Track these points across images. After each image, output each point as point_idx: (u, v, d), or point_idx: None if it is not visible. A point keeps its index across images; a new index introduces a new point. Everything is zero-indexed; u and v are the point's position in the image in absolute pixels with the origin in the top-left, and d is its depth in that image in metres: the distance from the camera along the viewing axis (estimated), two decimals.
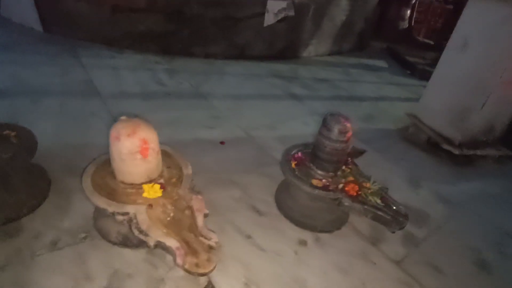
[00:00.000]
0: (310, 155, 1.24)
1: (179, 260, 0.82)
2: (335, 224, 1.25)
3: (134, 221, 0.90)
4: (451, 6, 4.78)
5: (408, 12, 4.91)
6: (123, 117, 0.99)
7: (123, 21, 2.55)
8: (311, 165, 1.21)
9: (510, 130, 1.85)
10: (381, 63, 3.60)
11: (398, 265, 1.14)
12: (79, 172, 1.28)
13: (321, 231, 1.21)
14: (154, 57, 2.59)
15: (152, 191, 0.98)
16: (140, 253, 1.02)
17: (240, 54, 2.86)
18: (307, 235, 1.19)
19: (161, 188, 0.99)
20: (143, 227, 0.88)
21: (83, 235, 1.05)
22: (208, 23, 2.63)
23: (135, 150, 0.93)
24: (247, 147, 1.67)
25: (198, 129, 1.75)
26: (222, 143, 1.66)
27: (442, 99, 1.81)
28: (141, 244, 1.03)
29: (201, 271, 0.82)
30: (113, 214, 0.92)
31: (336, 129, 1.10)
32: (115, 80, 2.12)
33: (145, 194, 0.98)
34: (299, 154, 1.27)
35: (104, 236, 1.04)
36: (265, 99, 2.24)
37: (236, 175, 1.44)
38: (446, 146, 1.76)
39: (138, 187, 1.00)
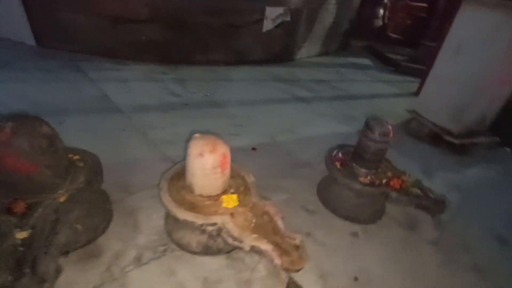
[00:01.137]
0: (352, 155, 1.37)
1: (277, 261, 0.92)
2: (377, 215, 1.40)
3: (224, 230, 0.98)
4: (420, 4, 5.15)
5: (381, 11, 5.26)
6: (197, 135, 1.06)
7: (124, 32, 2.53)
8: (354, 164, 1.35)
9: (497, 120, 2.11)
10: (366, 61, 3.85)
11: (435, 247, 1.31)
12: (132, 189, 1.33)
13: (367, 222, 1.35)
14: (158, 67, 2.60)
15: (231, 201, 1.06)
16: (221, 259, 1.10)
17: (240, 59, 2.95)
18: (356, 227, 1.33)
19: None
20: (235, 234, 0.96)
21: (161, 248, 1.10)
22: (209, 31, 2.68)
23: (216, 164, 1.01)
24: (275, 152, 1.77)
25: (225, 137, 1.81)
26: (253, 149, 1.75)
27: (441, 96, 2.04)
28: (219, 251, 1.11)
29: (297, 267, 0.92)
30: (201, 226, 0.99)
31: (379, 132, 1.24)
32: (130, 94, 2.12)
33: (224, 205, 1.06)
34: (340, 155, 1.41)
35: (184, 247, 1.10)
36: (276, 103, 2.35)
37: (276, 179, 1.54)
38: (447, 137, 1.99)
39: (215, 198, 1.07)
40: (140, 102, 2.04)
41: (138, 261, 1.04)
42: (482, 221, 1.50)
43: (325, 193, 1.46)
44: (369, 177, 1.30)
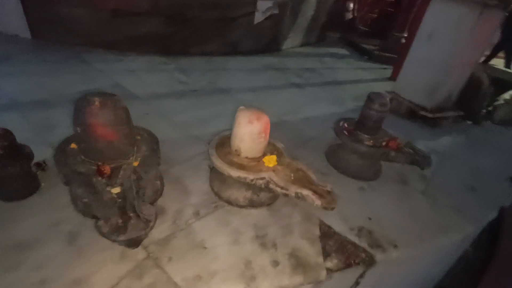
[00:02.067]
0: (355, 125, 1.65)
1: (317, 202, 1.17)
2: (377, 174, 1.69)
3: (272, 182, 1.21)
4: None
5: (351, 4, 5.66)
6: (242, 107, 1.27)
7: (124, 24, 2.61)
8: (358, 132, 1.63)
9: (460, 97, 2.51)
10: (343, 51, 4.20)
11: (424, 195, 1.64)
12: (172, 162, 1.51)
13: (370, 179, 1.64)
14: (158, 58, 2.72)
15: (272, 161, 1.29)
16: (263, 211, 1.32)
17: (233, 50, 3.13)
18: (362, 183, 1.61)
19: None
20: (282, 184, 1.19)
21: (213, 205, 1.30)
22: (205, 23, 2.84)
23: (261, 130, 1.23)
24: (284, 129, 2.01)
25: None
26: None
27: (416, 78, 2.39)
28: (261, 204, 1.33)
29: (332, 205, 1.17)
30: (252, 180, 1.21)
31: (379, 102, 1.53)
32: (141, 82, 2.24)
33: (266, 164, 1.28)
34: (345, 125, 1.68)
35: (233, 203, 1.31)
36: (274, 89, 2.59)
37: (291, 150, 1.77)
38: (422, 112, 2.35)
39: (258, 160, 1.29)
40: (153, 89, 2.18)
41: (197, 215, 1.24)
42: (456, 175, 1.86)
43: (334, 158, 1.73)
44: (371, 141, 1.59)
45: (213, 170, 1.45)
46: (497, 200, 1.71)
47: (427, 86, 2.34)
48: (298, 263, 1.12)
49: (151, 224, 0.92)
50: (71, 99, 1.88)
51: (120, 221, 0.91)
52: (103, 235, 0.89)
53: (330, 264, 1.15)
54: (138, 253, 1.04)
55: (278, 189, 1.19)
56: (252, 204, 1.31)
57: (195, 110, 2.01)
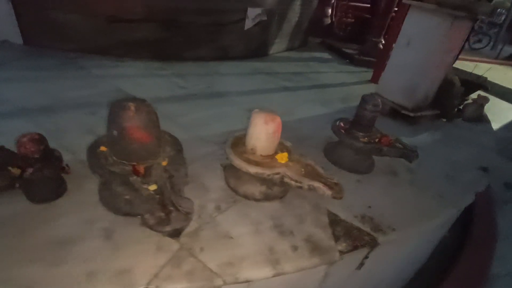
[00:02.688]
0: (351, 124, 1.83)
1: (328, 192, 1.32)
2: (370, 168, 1.87)
3: (286, 176, 1.34)
4: (362, 4, 5.94)
5: (329, 10, 5.94)
6: (256, 110, 1.40)
7: (119, 30, 2.65)
8: (353, 130, 1.80)
9: (435, 97, 2.78)
10: (326, 55, 4.43)
11: (411, 185, 1.84)
12: (187, 161, 1.60)
13: (365, 173, 1.82)
14: (154, 63, 2.78)
15: (284, 157, 1.42)
16: (277, 203, 1.45)
17: (224, 55, 3.25)
18: (358, 176, 1.78)
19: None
20: (296, 177, 1.33)
21: (231, 200, 1.42)
22: (198, 29, 2.94)
23: (276, 130, 1.36)
24: (284, 130, 2.13)
25: (242, 120, 2.15)
26: None
27: (397, 80, 2.63)
28: (275, 197, 1.46)
29: (340, 195, 1.33)
30: (268, 175, 1.34)
31: (372, 103, 1.71)
32: (141, 87, 2.30)
33: (279, 160, 1.41)
34: (342, 124, 1.85)
35: (249, 197, 1.43)
36: (268, 92, 2.73)
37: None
38: (404, 112, 2.59)
39: (271, 157, 1.42)
40: (154, 94, 2.25)
41: (219, 209, 1.35)
42: (436, 166, 2.09)
43: (332, 154, 1.89)
44: (366, 138, 1.77)
45: (227, 168, 1.56)
46: (472, 187, 1.95)
47: (407, 88, 2.58)
48: (314, 247, 1.26)
49: (191, 215, 1.03)
50: (76, 104, 1.93)
51: (162, 214, 1.00)
52: (150, 227, 0.98)
53: (340, 247, 1.30)
54: (172, 245, 1.13)
55: (293, 183, 1.33)
56: (266, 198, 1.44)
57: (197, 113, 2.10)
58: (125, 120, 1.08)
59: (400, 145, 1.78)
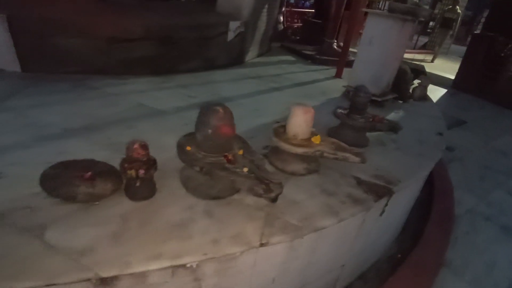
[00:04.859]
0: (349, 109, 2.31)
1: (357, 159, 1.76)
2: (367, 142, 2.37)
3: (325, 152, 1.75)
4: (309, 10, 6.66)
5: (281, 17, 6.55)
6: (295, 104, 1.78)
7: (119, 50, 2.81)
8: (351, 114, 2.29)
9: (393, 83, 3.44)
10: (290, 58, 4.96)
11: (398, 149, 2.39)
12: None
13: (364, 146, 2.32)
14: (154, 78, 2.97)
15: (318, 139, 1.83)
16: (316, 175, 1.85)
17: (211, 65, 3.55)
18: (360, 150, 2.27)
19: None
20: (332, 152, 1.75)
21: (284, 177, 1.78)
22: (189, 43, 3.21)
23: (312, 117, 1.76)
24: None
25: (253, 119, 2.49)
26: (277, 122, 2.50)
27: (365, 72, 3.21)
28: (314, 171, 1.86)
29: (365, 161, 1.78)
30: (312, 153, 1.73)
31: (363, 91, 2.21)
32: (158, 101, 2.51)
33: (314, 141, 1.81)
34: (341, 111, 2.33)
35: (297, 173, 1.80)
36: (263, 93, 3.12)
37: None
38: (374, 98, 3.19)
39: (308, 140, 1.82)
40: (173, 105, 2.48)
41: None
42: (409, 135, 2.66)
43: (335, 135, 2.33)
44: (363, 119, 2.27)
45: (268, 155, 1.92)
46: (437, 146, 2.57)
47: (373, 78, 3.18)
48: (355, 200, 1.69)
49: (283, 184, 1.38)
50: (111, 121, 2.09)
51: (263, 186, 1.34)
52: (260, 195, 1.31)
53: (371, 197, 1.76)
54: (259, 213, 1.47)
55: (331, 156, 1.75)
56: (308, 172, 1.83)
57: None
58: (217, 120, 1.38)
59: (387, 121, 2.31)
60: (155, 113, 2.31)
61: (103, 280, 1.12)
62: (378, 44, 3.06)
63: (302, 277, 1.71)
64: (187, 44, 3.17)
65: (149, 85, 2.80)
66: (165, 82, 2.93)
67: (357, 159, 1.76)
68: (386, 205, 1.88)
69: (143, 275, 1.17)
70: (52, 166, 1.38)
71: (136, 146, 1.32)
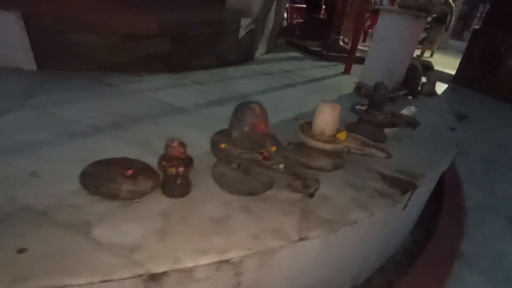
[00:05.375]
0: (368, 105, 2.34)
1: (382, 155, 1.79)
2: (385, 138, 2.41)
3: (352, 148, 1.78)
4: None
5: (285, 14, 6.54)
6: (322, 101, 1.80)
7: (134, 47, 2.80)
8: (370, 110, 2.32)
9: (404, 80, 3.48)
10: (298, 54, 4.97)
11: (413, 144, 2.43)
12: None
13: (383, 142, 2.35)
14: (169, 75, 2.97)
15: (343, 135, 1.86)
16: (342, 170, 1.88)
17: (223, 62, 3.55)
18: (381, 145, 2.31)
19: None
20: (358, 147, 1.78)
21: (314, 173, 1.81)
22: (202, 40, 3.20)
23: (338, 114, 1.79)
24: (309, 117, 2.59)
25: (273, 116, 2.48)
26: (296, 119, 2.52)
27: (376, 69, 3.25)
28: (339, 167, 1.89)
29: (390, 156, 1.82)
30: (340, 149, 1.76)
31: (383, 88, 2.24)
32: (177, 97, 2.51)
33: (340, 137, 1.84)
34: (360, 107, 2.36)
35: (324, 169, 1.83)
36: (278, 90, 3.13)
37: None
38: None
39: (334, 136, 1.85)
40: (191, 101, 2.48)
41: None
42: (422, 130, 2.71)
43: (355, 131, 2.39)
44: (382, 116, 2.30)
45: (294, 150, 1.95)
46: (451, 141, 2.62)
47: (385, 74, 3.21)
48: (382, 193, 1.73)
49: (319, 180, 1.41)
50: (135, 118, 2.09)
51: (301, 181, 1.37)
52: (300, 191, 1.34)
53: (397, 192, 1.79)
54: (294, 208, 1.49)
55: (358, 152, 1.79)
56: (335, 168, 1.87)
57: None
58: (254, 118, 1.41)
59: (408, 118, 2.35)
60: (175, 110, 2.32)
61: (152, 276, 1.14)
62: (390, 40, 3.09)
63: (330, 270, 1.75)
64: (200, 41, 3.17)
65: (165, 82, 2.80)
66: (180, 79, 2.93)
67: (383, 154, 1.80)
68: (409, 199, 1.93)
69: (190, 270, 1.19)
70: (90, 164, 1.39)
71: (175, 144, 1.34)
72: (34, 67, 2.56)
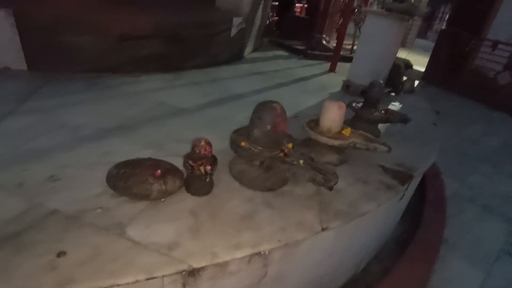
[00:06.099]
0: (363, 103, 2.48)
1: (385, 149, 1.93)
2: (379, 133, 2.57)
3: (358, 143, 1.90)
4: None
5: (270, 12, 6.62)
6: (328, 100, 1.91)
7: (129, 48, 2.75)
8: (366, 107, 2.46)
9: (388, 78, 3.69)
10: (283, 53, 5.08)
11: (405, 139, 2.61)
12: None
13: (378, 137, 2.51)
14: (164, 75, 2.95)
15: (348, 131, 1.97)
16: (346, 165, 2.00)
17: (215, 61, 3.58)
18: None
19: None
20: (363, 143, 1.91)
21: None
22: (195, 41, 3.21)
23: (344, 113, 1.90)
24: (305, 117, 2.70)
25: None
26: (296, 116, 2.62)
27: (364, 67, 3.42)
28: (344, 162, 2.01)
29: (391, 150, 1.96)
30: (347, 145, 1.87)
31: (378, 86, 2.39)
32: (177, 98, 2.52)
33: (345, 134, 1.96)
34: (356, 104, 2.50)
35: (331, 163, 1.94)
36: (272, 89, 3.21)
37: None
38: None
39: (339, 132, 1.96)
40: (192, 102, 2.50)
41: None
42: (410, 124, 2.93)
43: (351, 127, 2.53)
44: (376, 112, 2.45)
45: (303, 147, 2.04)
46: (435, 135, 2.85)
47: (371, 73, 3.39)
48: (386, 186, 1.87)
49: (337, 175, 1.51)
50: (141, 120, 2.09)
51: (322, 175, 1.46)
52: (321, 184, 1.43)
53: (399, 183, 1.94)
54: (311, 202, 1.58)
55: (363, 147, 1.91)
56: (341, 162, 1.98)
57: (240, 112, 2.46)
58: (275, 117, 1.48)
59: (399, 114, 2.52)
60: (178, 111, 2.33)
61: (191, 272, 1.18)
62: (377, 41, 3.27)
63: (341, 258, 1.87)
64: (192, 41, 3.17)
65: (163, 83, 2.78)
66: (176, 79, 2.92)
67: (385, 148, 1.93)
68: (406, 189, 2.09)
69: (225, 264, 1.25)
70: (115, 165, 1.40)
71: (203, 143, 1.37)
72: (24, 67, 2.46)
